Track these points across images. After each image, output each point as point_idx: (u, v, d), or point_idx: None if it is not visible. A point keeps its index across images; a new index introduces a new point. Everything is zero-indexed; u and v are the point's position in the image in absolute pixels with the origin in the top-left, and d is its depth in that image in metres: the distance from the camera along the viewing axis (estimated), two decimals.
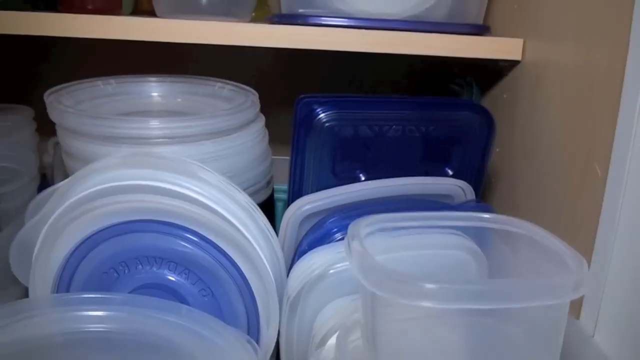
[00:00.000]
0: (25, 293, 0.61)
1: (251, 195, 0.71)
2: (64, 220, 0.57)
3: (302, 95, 0.67)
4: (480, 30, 0.78)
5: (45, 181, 0.87)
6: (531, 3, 0.74)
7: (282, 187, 0.83)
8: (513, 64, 0.76)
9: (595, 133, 0.58)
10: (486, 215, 0.55)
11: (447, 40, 0.73)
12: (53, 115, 0.67)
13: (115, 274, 0.59)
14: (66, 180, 0.60)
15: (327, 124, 0.65)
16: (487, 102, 0.82)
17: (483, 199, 0.80)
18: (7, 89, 0.96)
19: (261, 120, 0.75)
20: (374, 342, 0.47)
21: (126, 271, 0.58)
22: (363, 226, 0.51)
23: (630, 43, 0.53)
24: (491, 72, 0.81)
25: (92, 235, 0.57)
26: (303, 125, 0.65)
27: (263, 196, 0.75)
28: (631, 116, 0.52)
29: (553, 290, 0.42)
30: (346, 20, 0.74)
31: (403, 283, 0.41)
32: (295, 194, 0.68)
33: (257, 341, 0.60)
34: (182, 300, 0.59)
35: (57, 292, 0.58)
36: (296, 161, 0.67)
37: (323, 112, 0.65)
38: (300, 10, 0.76)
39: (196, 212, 0.57)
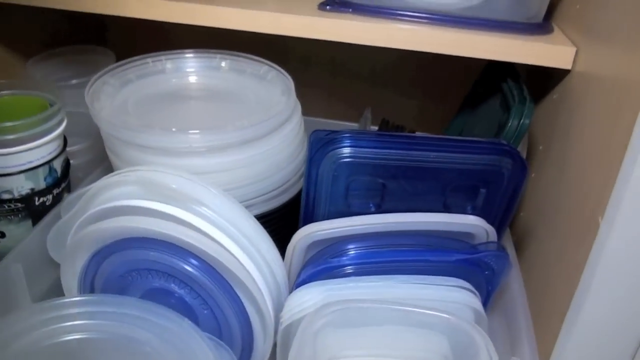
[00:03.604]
0: None
1: (282, 193, 0.73)
2: (82, 233, 0.62)
3: (317, 130, 0.63)
4: (539, 30, 0.70)
5: None
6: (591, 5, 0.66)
7: None
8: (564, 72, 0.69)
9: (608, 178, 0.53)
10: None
11: (498, 43, 0.67)
12: (91, 112, 0.68)
13: (130, 278, 0.65)
14: (91, 187, 0.65)
15: (341, 160, 0.62)
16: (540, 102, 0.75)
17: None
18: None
19: (297, 114, 0.73)
20: None
21: (138, 278, 0.64)
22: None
23: None
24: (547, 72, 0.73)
25: (108, 245, 0.63)
26: (315, 159, 0.63)
27: (294, 192, 0.75)
28: None
29: None
30: (394, 11, 0.70)
31: None
32: (307, 220, 0.66)
33: (251, 352, 0.65)
34: (187, 306, 0.64)
35: (82, 290, 0.66)
36: (308, 191, 0.65)
37: (338, 148, 0.62)
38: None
39: (199, 240, 0.59)
